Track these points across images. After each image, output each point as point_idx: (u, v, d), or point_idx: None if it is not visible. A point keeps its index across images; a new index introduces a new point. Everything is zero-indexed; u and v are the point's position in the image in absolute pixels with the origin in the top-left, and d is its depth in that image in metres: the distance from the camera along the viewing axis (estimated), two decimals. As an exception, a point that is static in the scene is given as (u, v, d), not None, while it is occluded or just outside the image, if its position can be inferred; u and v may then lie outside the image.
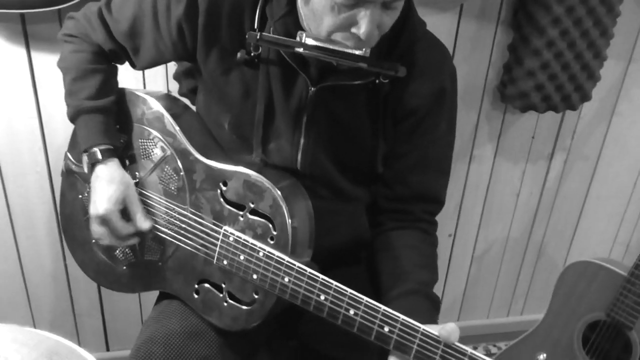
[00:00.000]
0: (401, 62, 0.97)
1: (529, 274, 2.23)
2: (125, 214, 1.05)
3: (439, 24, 1.63)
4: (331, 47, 0.90)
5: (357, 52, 0.90)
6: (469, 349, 0.81)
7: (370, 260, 1.18)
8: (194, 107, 1.22)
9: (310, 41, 0.91)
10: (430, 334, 0.84)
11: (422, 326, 0.85)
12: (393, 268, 1.06)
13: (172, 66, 1.54)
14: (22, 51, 1.47)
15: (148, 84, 1.59)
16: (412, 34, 1.01)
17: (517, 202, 2.05)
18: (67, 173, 1.18)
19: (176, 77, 1.50)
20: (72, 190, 1.18)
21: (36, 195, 1.65)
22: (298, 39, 0.92)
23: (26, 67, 1.49)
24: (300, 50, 0.92)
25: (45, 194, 1.66)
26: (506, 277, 2.21)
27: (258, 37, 0.95)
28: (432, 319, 0.96)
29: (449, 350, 0.84)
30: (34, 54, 1.49)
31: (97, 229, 1.05)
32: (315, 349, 1.14)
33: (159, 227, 1.07)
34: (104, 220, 1.03)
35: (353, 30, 0.87)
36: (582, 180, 2.07)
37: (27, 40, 1.47)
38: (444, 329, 0.83)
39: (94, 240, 1.13)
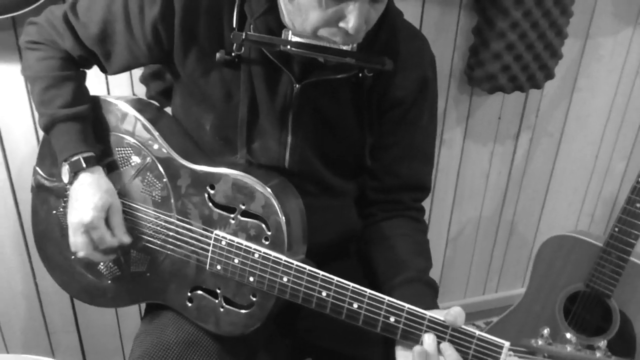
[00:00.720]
0: (384, 53, 0.96)
1: (502, 252, 2.28)
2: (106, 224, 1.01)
3: (403, 11, 1.62)
4: (319, 43, 0.88)
5: (344, 48, 0.89)
6: (476, 331, 0.82)
7: (361, 253, 1.17)
8: (167, 110, 1.18)
9: (296, 38, 0.89)
10: (437, 320, 0.84)
11: (429, 313, 0.85)
12: (389, 258, 1.06)
13: (138, 69, 1.48)
14: (-26, 61, 1.39)
15: (112, 89, 1.53)
16: (392, 25, 1.00)
17: (487, 183, 2.08)
18: (38, 189, 1.12)
19: (143, 80, 1.45)
20: (44, 206, 1.12)
21: (0, 213, 1.57)
22: (283, 36, 0.90)
23: (-20, 78, 1.42)
24: (288, 48, 0.89)
25: (10, 211, 1.58)
26: (480, 256, 2.25)
27: (244, 36, 0.92)
28: (434, 305, 0.96)
29: (457, 334, 0.84)
30: (-13, 64, 1.41)
31: (79, 240, 1.00)
32: (315, 345, 1.13)
33: (145, 237, 1.03)
34: (89, 228, 0.98)
35: (341, 24, 0.85)
36: (547, 157, 2.12)
37: (-21, 50, 1.39)
38: (450, 314, 0.84)
39: (73, 257, 1.08)
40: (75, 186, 1.00)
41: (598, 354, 0.75)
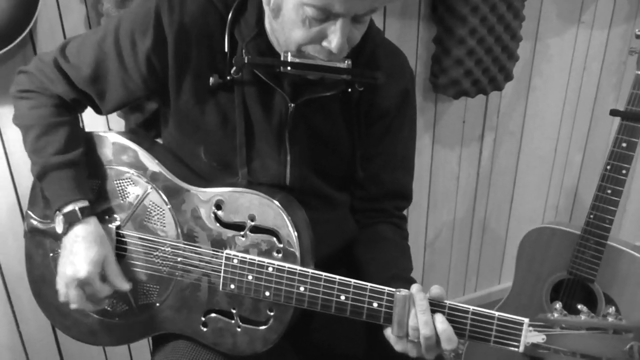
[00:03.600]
0: (368, 68, 1.01)
1: (477, 251, 2.35)
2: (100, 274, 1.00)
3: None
4: (316, 63, 0.91)
5: (339, 65, 0.92)
6: (495, 312, 0.86)
7: (349, 260, 1.20)
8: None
9: (295, 59, 0.91)
10: (456, 306, 0.88)
11: (448, 302, 0.89)
12: (373, 258, 1.10)
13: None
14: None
15: (87, 126, 1.51)
16: (373, 42, 1.05)
17: (458, 185, 2.16)
18: (32, 233, 1.09)
19: (121, 114, 1.45)
20: (39, 250, 1.09)
21: (-22, 264, 1.52)
22: (283, 57, 0.92)
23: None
24: (288, 69, 0.92)
25: (-12, 261, 1.53)
26: (457, 257, 2.31)
27: (246, 60, 0.94)
28: None
29: (478, 317, 0.87)
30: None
31: (71, 293, 0.98)
32: (328, 352, 1.14)
33: (151, 266, 1.03)
34: (83, 284, 0.97)
35: (324, 43, 0.88)
36: (511, 155, 2.22)
37: (-53, 97, 1.36)
38: (432, 292, 0.89)
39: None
40: (71, 237, 0.98)
41: (610, 319, 0.80)
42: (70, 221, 0.98)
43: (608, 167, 1.48)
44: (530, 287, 1.68)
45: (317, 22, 0.87)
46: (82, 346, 1.15)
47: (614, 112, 1.47)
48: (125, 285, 1.01)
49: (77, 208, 0.98)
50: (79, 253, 0.97)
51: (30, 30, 1.28)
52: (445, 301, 0.89)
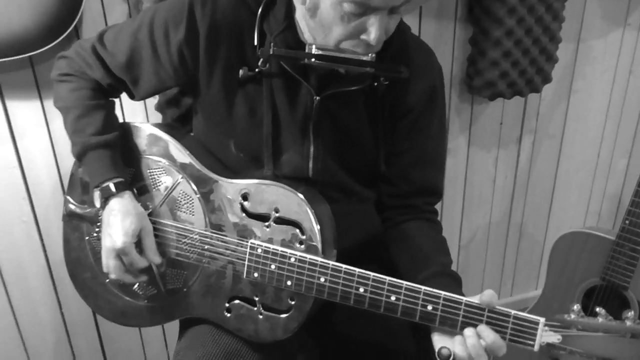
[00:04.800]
0: (396, 63, 1.02)
1: (514, 255, 2.32)
2: (138, 246, 1.05)
3: (403, 26, 1.71)
4: (340, 55, 0.94)
5: (363, 58, 0.94)
6: (512, 310, 0.86)
7: (381, 256, 1.21)
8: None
9: (318, 51, 0.94)
10: (473, 304, 0.88)
11: (464, 298, 0.89)
12: (412, 256, 1.10)
13: (151, 99, 1.54)
14: (-4, 101, 1.45)
15: (128, 118, 1.58)
16: (402, 36, 1.06)
17: (494, 188, 2.13)
18: (69, 216, 1.16)
19: (158, 108, 1.50)
20: (76, 233, 1.16)
21: (25, 246, 1.61)
22: (307, 49, 0.95)
23: (2, 116, 1.47)
24: (312, 60, 0.95)
25: (34, 243, 1.62)
26: (492, 261, 2.29)
27: (271, 52, 0.97)
28: (461, 295, 1.00)
29: (494, 315, 0.88)
30: (8, 103, 1.46)
31: (111, 263, 1.04)
32: (348, 352, 1.16)
33: (180, 253, 1.07)
34: (120, 253, 1.02)
35: (363, 37, 0.91)
36: (550, 158, 2.18)
37: (1, 89, 1.44)
38: (485, 295, 0.88)
39: (107, 280, 1.12)
40: (107, 211, 1.04)
41: (628, 323, 0.79)
42: (106, 195, 1.03)
43: (646, 172, 1.45)
44: (562, 292, 1.66)
45: (356, 16, 0.89)
46: (119, 327, 1.21)
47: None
48: (156, 259, 1.06)
49: (111, 183, 1.03)
50: (115, 225, 1.02)
51: (76, 26, 1.35)
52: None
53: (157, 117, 1.52)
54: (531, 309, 1.74)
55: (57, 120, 1.49)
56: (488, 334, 0.87)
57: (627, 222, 1.50)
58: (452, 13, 1.77)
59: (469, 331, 0.89)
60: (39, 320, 1.70)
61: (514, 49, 1.71)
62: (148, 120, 1.60)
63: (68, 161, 1.36)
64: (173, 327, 1.33)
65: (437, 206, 1.22)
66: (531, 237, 2.31)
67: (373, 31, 0.89)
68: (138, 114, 1.60)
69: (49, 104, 1.46)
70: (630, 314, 0.80)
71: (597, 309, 0.84)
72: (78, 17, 1.32)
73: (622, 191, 2.37)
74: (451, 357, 0.87)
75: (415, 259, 1.09)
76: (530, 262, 2.36)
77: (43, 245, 1.62)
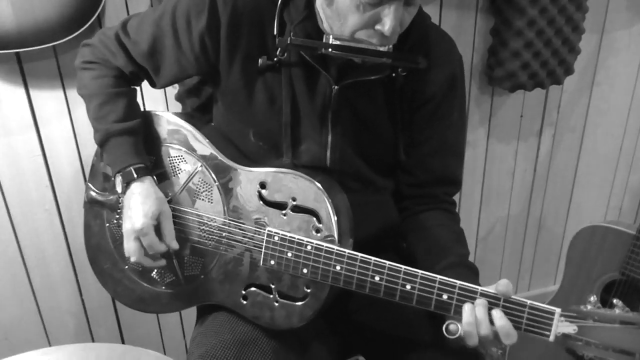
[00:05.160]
0: (416, 53, 1.02)
1: (532, 249, 2.30)
2: (157, 231, 1.06)
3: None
4: (357, 45, 0.94)
5: (380, 48, 0.94)
6: (527, 300, 0.86)
7: (398, 247, 1.22)
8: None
9: (336, 41, 0.95)
10: (488, 293, 0.88)
11: (480, 287, 0.89)
12: (430, 246, 1.10)
13: (171, 89, 1.55)
14: (20, 90, 1.47)
15: (148, 107, 1.60)
16: (422, 27, 1.06)
17: (514, 181, 2.12)
18: (91, 203, 1.18)
19: (178, 98, 1.52)
20: (97, 219, 1.18)
21: (46, 233, 1.64)
22: (325, 40, 0.96)
23: (26, 105, 1.49)
24: (329, 50, 0.95)
25: (56, 231, 1.65)
26: (510, 254, 2.27)
27: (289, 41, 0.98)
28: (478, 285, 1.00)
29: (509, 305, 0.88)
30: (32, 92, 1.49)
31: (131, 245, 1.05)
32: (364, 340, 1.17)
33: (198, 240, 1.09)
34: (140, 235, 1.04)
35: (377, 27, 0.92)
36: (571, 151, 2.15)
37: (25, 78, 1.47)
38: (500, 285, 0.88)
39: (126, 266, 1.14)
40: (128, 195, 1.06)
41: (646, 314, 0.79)
42: (127, 180, 1.05)
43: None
44: (580, 286, 1.64)
45: (371, 6, 0.90)
46: (138, 314, 1.23)
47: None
48: (174, 244, 1.07)
49: (133, 168, 1.05)
50: (135, 207, 1.04)
51: (98, 16, 1.37)
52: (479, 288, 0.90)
53: (177, 107, 1.53)
54: (549, 302, 1.73)
55: (80, 109, 1.52)
56: (500, 317, 0.87)
57: (648, 216, 1.48)
58: (473, 3, 1.76)
59: (480, 301, 0.89)
60: (59, 306, 1.74)
61: (535, 39, 1.69)
62: (168, 110, 1.62)
63: (90, 149, 1.38)
64: (191, 313, 1.35)
65: (455, 198, 1.22)
66: (550, 231, 2.28)
67: (388, 22, 0.90)
68: (159, 104, 1.61)
69: (72, 93, 1.48)
70: (648, 305, 0.80)
71: (614, 301, 0.83)
72: (101, 6, 1.34)
73: (645, 186, 2.34)
74: (459, 332, 0.87)
75: (433, 250, 1.09)
76: (549, 256, 2.34)
77: (64, 232, 1.65)
